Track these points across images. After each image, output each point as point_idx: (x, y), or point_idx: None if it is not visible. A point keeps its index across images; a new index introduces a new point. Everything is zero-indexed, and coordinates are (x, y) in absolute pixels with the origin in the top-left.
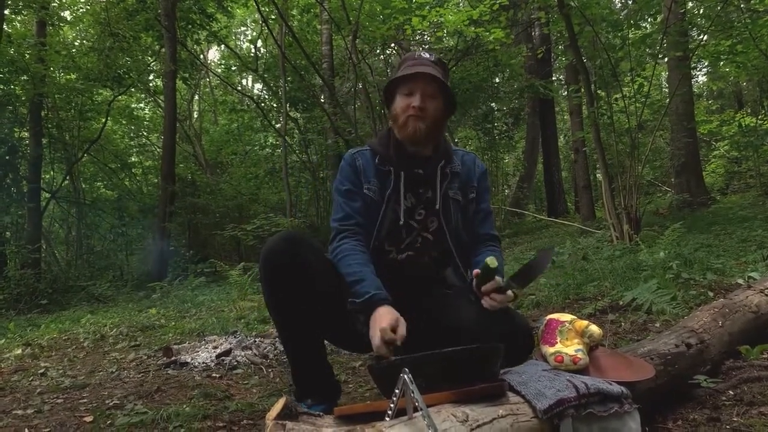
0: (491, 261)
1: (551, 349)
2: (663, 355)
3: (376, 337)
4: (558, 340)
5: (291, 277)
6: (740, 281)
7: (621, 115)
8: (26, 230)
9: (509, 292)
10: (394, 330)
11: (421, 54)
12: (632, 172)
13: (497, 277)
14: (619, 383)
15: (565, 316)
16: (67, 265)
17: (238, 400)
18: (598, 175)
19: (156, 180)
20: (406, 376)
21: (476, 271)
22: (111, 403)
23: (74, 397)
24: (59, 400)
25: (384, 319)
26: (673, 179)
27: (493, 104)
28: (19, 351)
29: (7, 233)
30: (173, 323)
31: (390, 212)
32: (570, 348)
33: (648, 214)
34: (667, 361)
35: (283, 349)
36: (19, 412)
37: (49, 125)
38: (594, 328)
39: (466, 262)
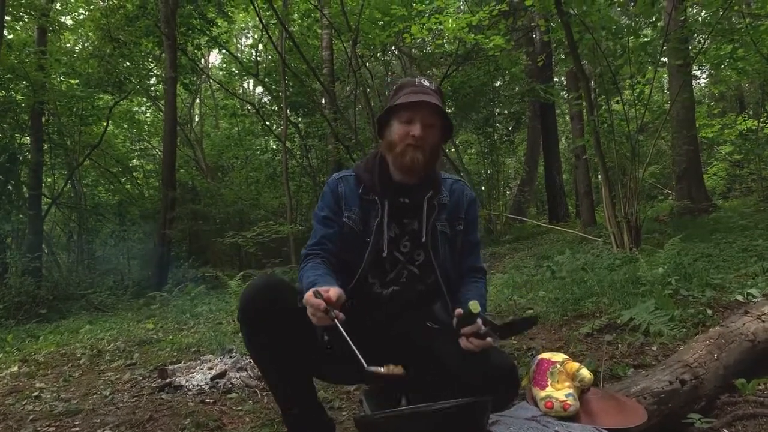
0: (474, 306)
1: (542, 393)
2: (656, 394)
3: (307, 300)
4: (549, 382)
5: (271, 319)
6: (739, 297)
7: (622, 121)
8: (27, 237)
9: (489, 339)
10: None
11: (422, 81)
12: (633, 176)
13: (479, 322)
14: (611, 430)
15: (557, 356)
16: (69, 271)
17: (231, 430)
18: (599, 178)
19: (157, 184)
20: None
21: (458, 311)
22: None
23: (66, 425)
24: (51, 429)
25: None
26: (674, 183)
27: (494, 108)
28: (16, 368)
29: (9, 239)
30: (170, 337)
31: (374, 243)
32: (560, 392)
33: (648, 220)
34: (660, 399)
35: (271, 395)
36: None
37: (50, 131)
38: (585, 373)
39: (454, 296)
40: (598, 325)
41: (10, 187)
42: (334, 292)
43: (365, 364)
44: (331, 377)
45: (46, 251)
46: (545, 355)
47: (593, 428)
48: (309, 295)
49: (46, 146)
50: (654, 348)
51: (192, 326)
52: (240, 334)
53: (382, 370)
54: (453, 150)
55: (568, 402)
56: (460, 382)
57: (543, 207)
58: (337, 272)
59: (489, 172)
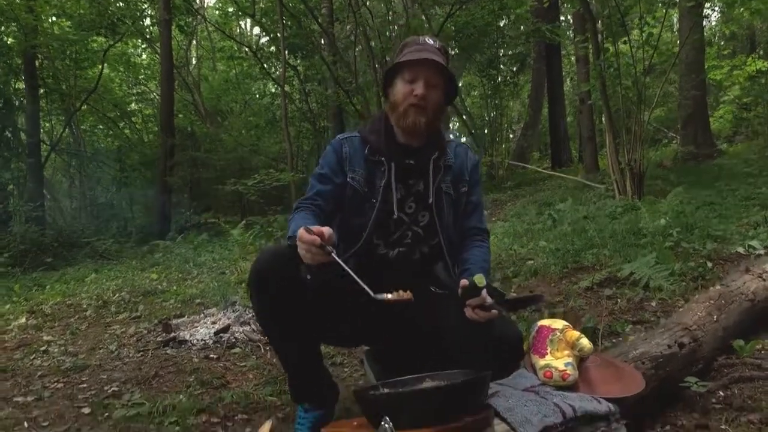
0: (479, 280)
1: (541, 362)
2: (655, 358)
3: (300, 237)
4: (548, 350)
5: (282, 284)
6: (740, 250)
7: (629, 64)
8: (28, 185)
9: (494, 311)
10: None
11: (426, 40)
12: (638, 120)
13: (485, 295)
14: (609, 399)
15: (557, 323)
16: (72, 218)
17: (234, 387)
18: (604, 122)
19: (156, 128)
20: (387, 425)
21: (463, 281)
22: (109, 390)
23: (74, 381)
24: (59, 385)
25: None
26: (679, 127)
27: (498, 49)
28: (24, 320)
29: (10, 186)
30: (174, 287)
31: (381, 204)
32: (560, 361)
33: (652, 166)
34: (658, 364)
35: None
36: (20, 399)
37: (45, 75)
38: (585, 342)
39: (455, 258)
40: (598, 278)
41: (8, 134)
42: (326, 229)
43: (371, 293)
44: (338, 341)
45: (48, 197)
46: (545, 322)
47: (591, 397)
48: (302, 231)
49: (41, 91)
50: (653, 304)
51: (195, 276)
52: (243, 285)
53: (389, 296)
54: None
55: (567, 372)
56: (463, 350)
57: (546, 151)
58: (341, 239)
59: (492, 115)
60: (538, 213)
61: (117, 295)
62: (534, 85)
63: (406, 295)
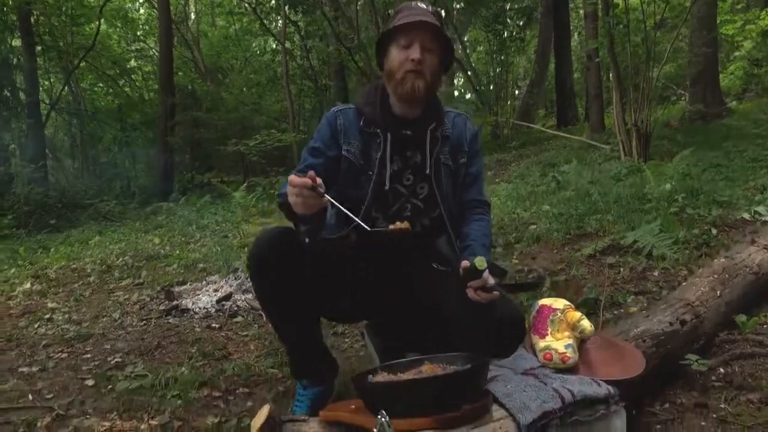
0: (480, 262)
1: (541, 343)
2: (656, 336)
3: (291, 181)
4: (548, 331)
5: (280, 268)
6: (746, 215)
7: (639, 20)
8: (29, 146)
9: (496, 292)
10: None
11: (418, 4)
12: (647, 77)
13: (486, 276)
14: (608, 381)
15: (558, 302)
16: (75, 177)
17: (236, 359)
18: (611, 79)
19: (157, 86)
20: (383, 419)
21: (464, 263)
22: (113, 361)
23: (78, 351)
24: (63, 355)
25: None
26: (688, 84)
27: (504, 3)
28: (28, 285)
29: (12, 146)
30: (177, 252)
31: (378, 176)
32: (560, 343)
33: (659, 126)
34: (659, 342)
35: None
36: (25, 369)
37: (41, 32)
38: (586, 324)
39: (457, 231)
40: (600, 246)
41: (6, 93)
42: (315, 175)
43: (367, 228)
44: (338, 316)
45: (50, 157)
46: (546, 301)
47: (591, 380)
48: (292, 176)
49: (38, 49)
50: (656, 273)
51: (198, 239)
52: (245, 249)
53: (387, 227)
54: (460, 49)
55: (567, 354)
56: (463, 329)
57: (552, 108)
58: (339, 213)
59: (498, 71)
60: (542, 174)
61: (120, 259)
62: (541, 41)
63: (403, 225)
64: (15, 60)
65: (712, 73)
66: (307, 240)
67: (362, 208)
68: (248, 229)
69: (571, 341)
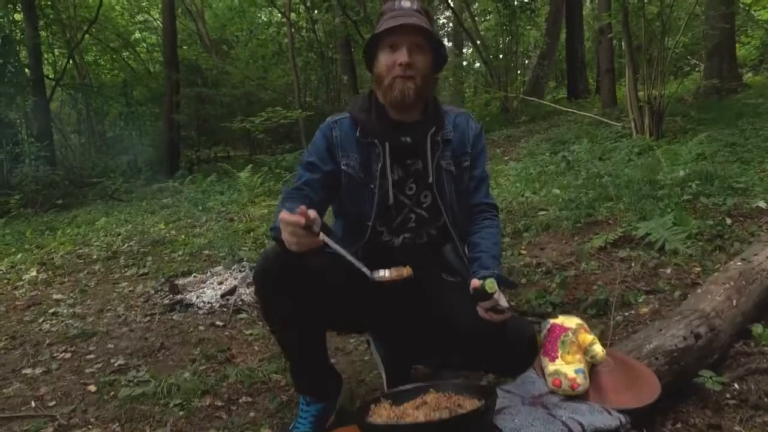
0: (490, 285)
1: (551, 367)
2: (669, 353)
3: (283, 219)
4: (559, 353)
5: (284, 288)
6: (762, 204)
7: None
8: (35, 124)
9: (506, 314)
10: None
11: (401, 3)
12: (661, 53)
13: (497, 297)
14: (620, 411)
15: (570, 321)
16: (81, 154)
17: (240, 362)
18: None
19: (162, 58)
20: None
21: (474, 283)
22: (116, 364)
23: (81, 351)
24: (67, 355)
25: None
26: (703, 54)
27: None
28: (35, 273)
29: (18, 122)
30: (183, 237)
31: (380, 189)
32: (570, 368)
33: (672, 101)
34: (672, 359)
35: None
36: (28, 371)
37: (43, 4)
38: (597, 349)
39: (463, 236)
40: (612, 237)
41: (11, 68)
42: (311, 211)
43: (368, 272)
44: (344, 329)
45: (56, 129)
46: (558, 321)
47: (602, 408)
48: (284, 213)
49: (41, 23)
50: (668, 271)
51: (204, 222)
52: (251, 235)
53: (387, 274)
54: (469, 20)
55: (578, 381)
56: (474, 346)
57: (562, 79)
58: (345, 232)
59: (507, 40)
60: (552, 153)
61: (126, 244)
62: (552, 10)
63: (405, 271)
64: (18, 35)
65: (729, 47)
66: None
67: (369, 224)
68: (254, 211)
69: (581, 365)
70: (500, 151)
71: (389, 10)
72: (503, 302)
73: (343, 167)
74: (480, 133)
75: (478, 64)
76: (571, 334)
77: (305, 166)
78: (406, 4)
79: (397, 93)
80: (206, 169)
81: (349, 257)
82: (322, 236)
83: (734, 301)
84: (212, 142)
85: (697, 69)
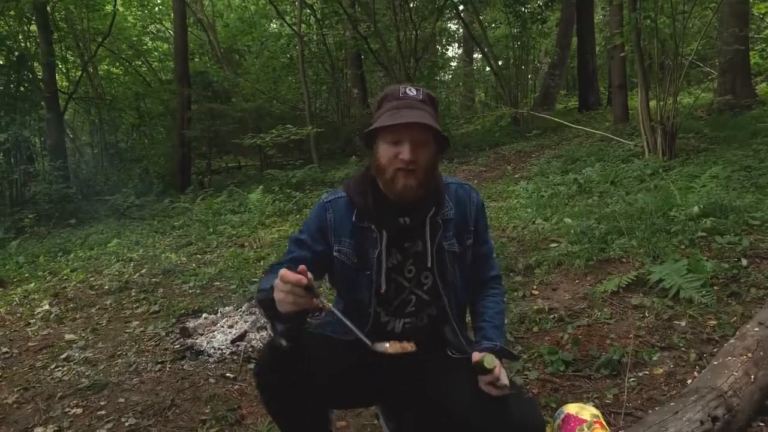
0: (489, 362)
1: None
2: None
3: (283, 276)
4: None
5: (284, 385)
6: None
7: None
8: (49, 142)
9: (506, 389)
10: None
11: (407, 91)
12: (673, 73)
13: (497, 373)
14: None
15: (586, 412)
16: (94, 167)
17: (249, 425)
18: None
19: (173, 65)
20: None
21: (475, 356)
22: (126, 423)
23: (93, 406)
24: (78, 410)
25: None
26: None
27: None
28: (47, 306)
29: (32, 138)
30: (193, 266)
31: (377, 275)
32: None
33: (685, 117)
34: None
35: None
36: (40, 430)
37: (57, 18)
38: None
39: (462, 316)
40: (625, 281)
41: (26, 84)
42: (310, 274)
43: (370, 343)
44: (349, 407)
45: (69, 139)
46: (572, 409)
47: None
48: (284, 271)
49: (55, 35)
50: (683, 323)
51: (215, 247)
52: (263, 263)
53: (388, 347)
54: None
55: None
56: (479, 430)
57: (573, 89)
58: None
59: (518, 53)
60: (563, 172)
61: (137, 273)
62: (563, 21)
63: (409, 346)
64: (33, 48)
65: (743, 63)
66: (284, 343)
67: (370, 311)
68: (264, 236)
69: None
70: (511, 168)
71: (393, 98)
72: (504, 378)
73: (335, 254)
74: (482, 209)
75: (488, 69)
76: (586, 429)
77: (296, 242)
78: (412, 93)
79: (400, 188)
80: (217, 181)
81: (351, 325)
82: (324, 301)
83: (752, 376)
84: (223, 151)
85: (710, 77)
